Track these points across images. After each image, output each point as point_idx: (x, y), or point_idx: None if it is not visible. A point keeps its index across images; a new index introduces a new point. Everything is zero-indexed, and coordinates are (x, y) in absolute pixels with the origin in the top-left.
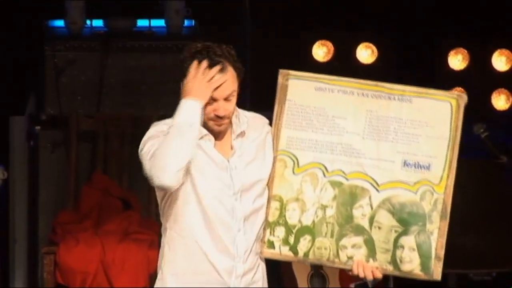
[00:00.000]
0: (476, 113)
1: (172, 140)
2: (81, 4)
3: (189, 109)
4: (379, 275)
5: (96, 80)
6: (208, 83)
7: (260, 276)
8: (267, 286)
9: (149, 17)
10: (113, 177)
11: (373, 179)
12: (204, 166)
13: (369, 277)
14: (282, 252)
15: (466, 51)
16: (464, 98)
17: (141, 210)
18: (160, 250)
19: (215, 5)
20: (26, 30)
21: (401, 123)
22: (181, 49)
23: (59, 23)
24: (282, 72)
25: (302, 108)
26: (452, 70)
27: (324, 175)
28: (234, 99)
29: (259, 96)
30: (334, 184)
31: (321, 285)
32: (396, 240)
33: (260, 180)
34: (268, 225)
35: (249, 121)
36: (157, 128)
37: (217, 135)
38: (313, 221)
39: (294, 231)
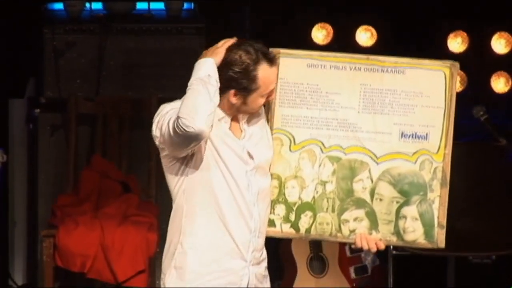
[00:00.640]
0: (476, 96)
1: (197, 89)
2: None
3: (205, 65)
4: (382, 247)
5: (96, 63)
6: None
7: (265, 256)
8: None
9: None
10: (112, 160)
11: (371, 152)
12: (222, 146)
13: (373, 249)
14: (283, 230)
15: (465, 34)
16: (457, 66)
17: (140, 193)
18: (174, 225)
19: None
20: (25, 13)
21: (396, 95)
22: (180, 32)
23: (58, 6)
24: (272, 50)
25: (295, 86)
26: (452, 53)
27: (322, 151)
28: None
29: None
30: (333, 159)
31: (320, 268)
32: (398, 211)
33: (268, 159)
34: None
35: None
36: (171, 105)
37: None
38: (313, 197)
39: (294, 208)
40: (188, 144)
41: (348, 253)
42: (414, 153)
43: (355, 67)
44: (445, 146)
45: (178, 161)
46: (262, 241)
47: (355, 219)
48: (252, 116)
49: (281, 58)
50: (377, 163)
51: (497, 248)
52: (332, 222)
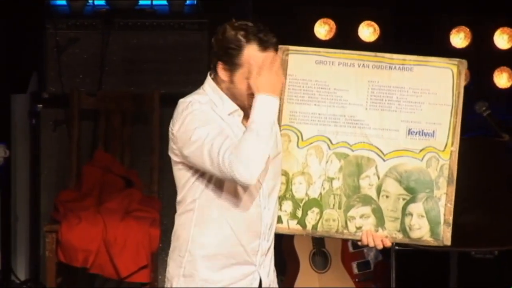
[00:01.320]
0: (478, 91)
1: (264, 135)
2: None
3: (270, 106)
4: (388, 244)
5: (98, 58)
6: (279, 77)
7: (272, 253)
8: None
9: None
10: (115, 155)
11: (378, 148)
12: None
13: (379, 246)
14: (290, 226)
15: (468, 29)
16: (465, 64)
17: (143, 188)
18: (183, 232)
19: None
20: (27, 9)
21: (403, 92)
22: (183, 27)
23: (61, 1)
24: (281, 47)
25: (303, 82)
26: (454, 48)
27: (329, 148)
28: None
29: None
30: (340, 155)
31: (323, 264)
32: (404, 208)
33: (278, 155)
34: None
35: None
36: (199, 109)
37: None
38: (320, 194)
39: (301, 204)
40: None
41: (350, 249)
42: (421, 150)
43: (363, 64)
44: (452, 144)
45: (189, 168)
46: (270, 244)
47: (361, 216)
48: None
49: (289, 55)
50: (384, 160)
51: (500, 243)
52: (338, 218)
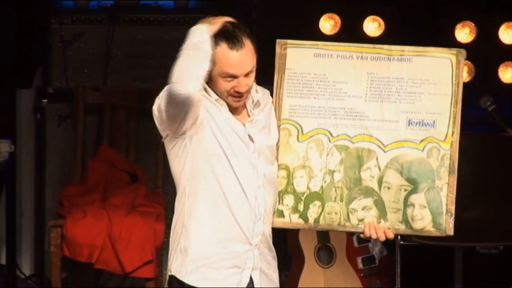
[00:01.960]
0: (483, 87)
1: (188, 53)
2: None
3: (199, 31)
4: (391, 236)
5: (103, 53)
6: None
7: (270, 237)
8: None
9: None
10: (120, 150)
11: (379, 140)
12: (225, 127)
13: (382, 238)
14: (292, 220)
15: (473, 24)
16: (463, 53)
17: (148, 183)
18: (178, 209)
19: None
20: (33, 4)
21: (403, 83)
22: (188, 22)
23: None
24: (279, 41)
25: (302, 76)
26: (459, 43)
27: (329, 140)
28: (253, 75)
29: (265, 70)
30: (340, 148)
31: (328, 259)
32: (406, 199)
33: (268, 145)
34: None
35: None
36: None
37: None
38: (322, 187)
39: (303, 198)
40: (181, 111)
41: (355, 244)
42: (421, 141)
43: (361, 56)
44: (453, 133)
45: (179, 142)
46: (268, 228)
47: (363, 208)
48: (261, 105)
49: (288, 49)
50: (385, 151)
51: (505, 238)
52: (340, 211)
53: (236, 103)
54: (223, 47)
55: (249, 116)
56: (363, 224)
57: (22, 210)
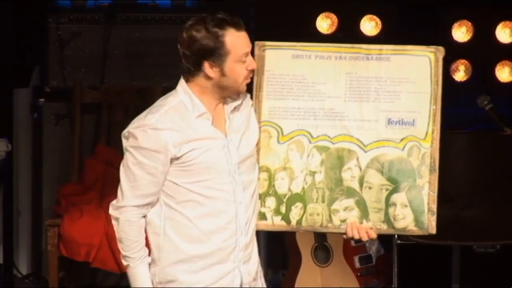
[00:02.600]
0: (480, 85)
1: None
2: None
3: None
4: (373, 236)
5: (100, 52)
6: None
7: (256, 247)
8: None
9: None
10: (117, 149)
11: (359, 140)
12: (203, 145)
13: (364, 238)
14: (274, 222)
15: (470, 23)
16: (442, 50)
17: None
18: (153, 238)
19: None
20: (30, 3)
21: (382, 82)
22: (185, 21)
23: None
24: (258, 43)
25: (281, 77)
26: (456, 42)
27: (310, 141)
28: None
29: None
30: (321, 149)
31: (325, 258)
32: (387, 199)
33: (252, 150)
34: (258, 197)
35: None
36: (143, 148)
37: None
38: (303, 188)
39: (284, 200)
40: None
41: (352, 243)
42: (401, 140)
43: (340, 56)
44: (433, 132)
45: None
46: (249, 238)
47: (345, 209)
48: (241, 108)
49: (266, 51)
50: (365, 151)
51: (502, 237)
52: (322, 212)
53: (245, 84)
54: (232, 32)
55: (225, 121)
56: (346, 225)
57: (19, 209)
